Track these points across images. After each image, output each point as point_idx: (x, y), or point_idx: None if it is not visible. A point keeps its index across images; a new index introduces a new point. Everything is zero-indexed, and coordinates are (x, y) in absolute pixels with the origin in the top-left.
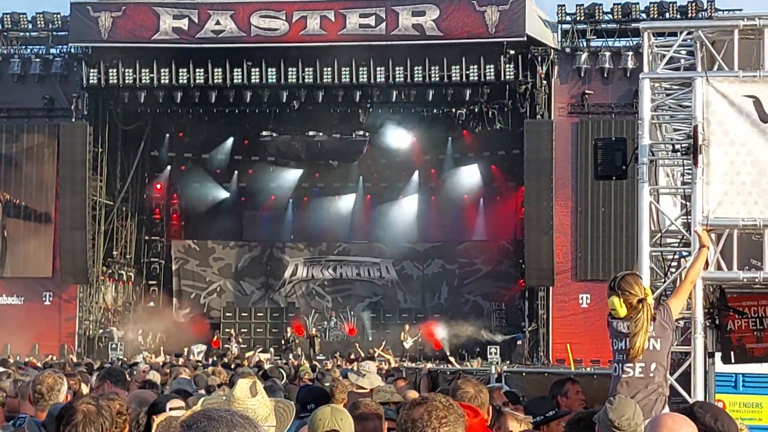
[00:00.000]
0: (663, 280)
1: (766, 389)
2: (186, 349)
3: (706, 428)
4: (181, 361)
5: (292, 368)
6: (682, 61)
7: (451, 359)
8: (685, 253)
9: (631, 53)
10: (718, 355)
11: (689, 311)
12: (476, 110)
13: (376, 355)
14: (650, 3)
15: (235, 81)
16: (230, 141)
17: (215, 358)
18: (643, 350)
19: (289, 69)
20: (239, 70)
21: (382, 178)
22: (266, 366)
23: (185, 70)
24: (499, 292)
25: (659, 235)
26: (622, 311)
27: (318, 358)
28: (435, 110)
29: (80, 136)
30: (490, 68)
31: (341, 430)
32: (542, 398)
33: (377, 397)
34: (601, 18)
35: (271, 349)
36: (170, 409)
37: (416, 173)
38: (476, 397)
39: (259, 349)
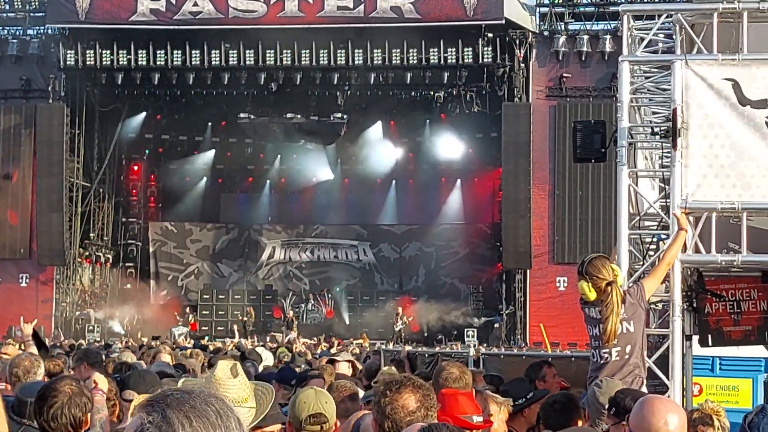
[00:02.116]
0: (641, 263)
1: (743, 372)
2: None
3: (627, 411)
4: (156, 343)
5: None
6: (661, 44)
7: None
8: (663, 236)
9: (609, 36)
10: (695, 338)
11: (667, 294)
12: (454, 93)
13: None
14: None
15: (213, 63)
16: (208, 123)
17: (195, 341)
18: (616, 334)
19: (267, 51)
20: (217, 51)
21: (359, 160)
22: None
23: (163, 51)
24: (477, 275)
25: (638, 218)
26: (592, 295)
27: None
28: (413, 93)
29: (57, 118)
30: (468, 51)
31: (326, 413)
32: (519, 380)
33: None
34: (579, 1)
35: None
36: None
37: (394, 156)
38: (460, 378)
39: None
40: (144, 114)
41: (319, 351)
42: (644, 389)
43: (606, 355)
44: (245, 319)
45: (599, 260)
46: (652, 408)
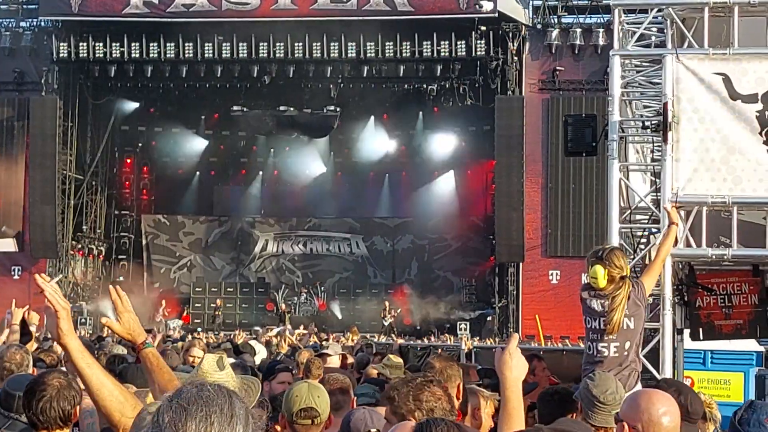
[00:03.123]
0: (632, 257)
1: (734, 366)
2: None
3: None
4: (149, 336)
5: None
6: (653, 38)
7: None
8: (654, 230)
9: (602, 30)
10: (686, 332)
11: (658, 288)
12: (447, 86)
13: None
14: None
15: (206, 55)
16: (201, 115)
17: (183, 333)
18: (620, 327)
19: (260, 44)
20: (210, 44)
21: (352, 153)
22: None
23: (156, 44)
24: (469, 268)
25: (629, 211)
26: (603, 282)
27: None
28: (406, 86)
29: (50, 110)
30: (461, 44)
31: (318, 407)
32: None
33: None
34: None
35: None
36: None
37: (386, 149)
38: (442, 372)
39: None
40: (137, 106)
41: (312, 343)
42: (639, 384)
43: (603, 350)
44: (217, 313)
45: (620, 251)
46: (644, 400)
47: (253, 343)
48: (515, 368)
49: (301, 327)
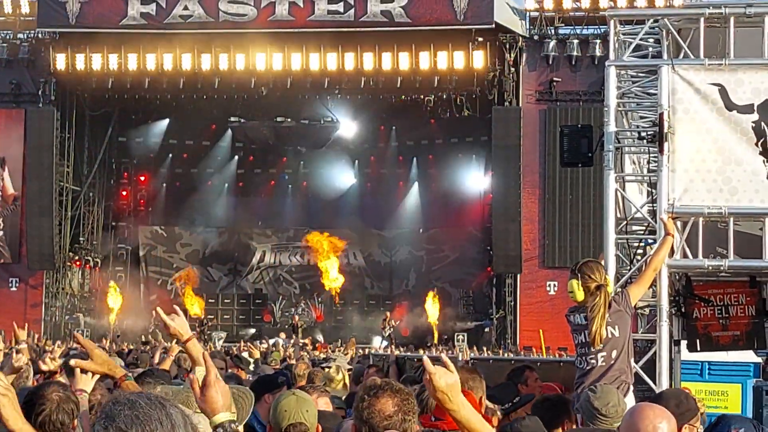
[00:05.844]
0: (628, 268)
1: (731, 377)
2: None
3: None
4: (147, 347)
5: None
6: (649, 48)
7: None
8: (650, 241)
9: (598, 41)
10: (683, 343)
11: (655, 299)
12: (444, 97)
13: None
14: None
15: (203, 67)
16: (198, 127)
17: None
18: (602, 337)
19: (258, 55)
20: (207, 55)
21: (348, 164)
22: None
23: (153, 55)
24: (467, 279)
25: (625, 222)
26: (580, 295)
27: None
28: (403, 97)
29: (47, 122)
30: (458, 55)
31: (306, 421)
32: (505, 385)
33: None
34: (569, 6)
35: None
36: None
37: (383, 160)
38: (464, 383)
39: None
40: (134, 118)
41: (321, 355)
42: (631, 395)
43: (592, 361)
44: (207, 323)
45: (594, 263)
46: (642, 416)
47: (244, 355)
48: (441, 378)
49: (308, 339)
